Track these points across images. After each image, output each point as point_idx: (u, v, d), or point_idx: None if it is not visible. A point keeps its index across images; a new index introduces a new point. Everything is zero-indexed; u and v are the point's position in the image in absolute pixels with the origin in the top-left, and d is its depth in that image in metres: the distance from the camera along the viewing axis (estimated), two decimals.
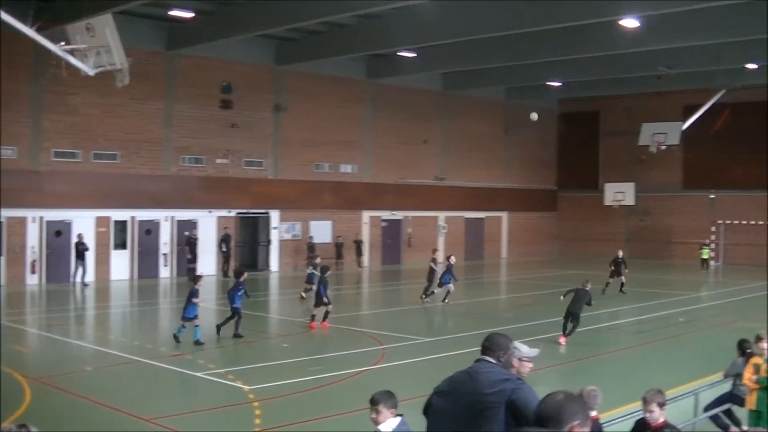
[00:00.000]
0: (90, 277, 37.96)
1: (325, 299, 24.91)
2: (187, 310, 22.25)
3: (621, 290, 34.68)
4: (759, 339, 12.70)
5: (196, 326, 22.04)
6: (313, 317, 25.18)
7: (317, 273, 28.29)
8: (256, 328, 25.97)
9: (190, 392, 17.06)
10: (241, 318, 23.40)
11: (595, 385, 9.04)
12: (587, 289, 23.23)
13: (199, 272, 40.50)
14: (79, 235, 37.58)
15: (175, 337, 22.04)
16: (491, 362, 7.00)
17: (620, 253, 36.13)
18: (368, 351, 21.46)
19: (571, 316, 22.71)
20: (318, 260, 32.30)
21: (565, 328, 22.66)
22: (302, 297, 32.22)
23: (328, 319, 25.21)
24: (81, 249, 37.37)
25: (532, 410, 6.65)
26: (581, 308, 22.84)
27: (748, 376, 12.47)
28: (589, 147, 61.36)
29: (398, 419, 7.30)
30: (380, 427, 7.38)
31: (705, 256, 48.19)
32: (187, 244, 40.71)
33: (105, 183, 38.81)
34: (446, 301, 31.14)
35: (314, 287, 27.38)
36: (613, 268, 35.78)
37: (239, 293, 23.52)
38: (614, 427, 10.89)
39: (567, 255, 59.13)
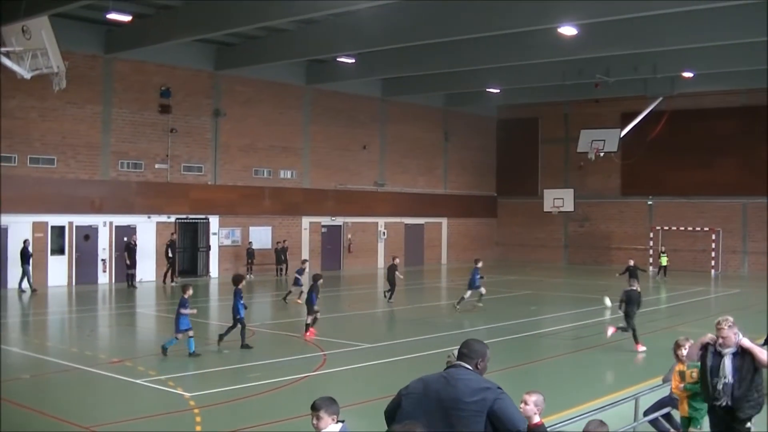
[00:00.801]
0: (25, 283, 37.52)
1: (315, 307, 24.93)
2: (180, 322, 21.39)
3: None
4: (678, 346, 12.83)
5: (190, 338, 21.39)
6: (307, 326, 25.08)
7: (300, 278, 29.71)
8: (196, 334, 25.86)
9: (130, 399, 16.94)
10: (245, 327, 23.07)
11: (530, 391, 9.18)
12: (634, 288, 23.73)
13: (138, 278, 40.41)
14: (25, 241, 37.20)
15: (164, 349, 21.24)
16: (468, 369, 7.07)
17: (631, 262, 35.63)
18: (309, 357, 21.48)
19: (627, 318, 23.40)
20: (306, 265, 33.14)
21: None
22: (297, 302, 32.68)
23: (315, 326, 25.28)
24: (27, 254, 36.97)
25: (513, 421, 6.75)
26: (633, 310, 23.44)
27: (675, 384, 12.66)
28: (529, 153, 61.96)
29: (339, 425, 7.33)
30: None
31: (664, 263, 48.57)
32: (125, 249, 40.38)
33: (42, 188, 38.36)
34: (481, 305, 31.52)
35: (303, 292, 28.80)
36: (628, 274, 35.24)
37: (241, 302, 23.16)
38: None
39: (507, 261, 59.66)
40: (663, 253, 49.70)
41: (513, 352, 22.48)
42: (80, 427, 14.26)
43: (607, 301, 26.17)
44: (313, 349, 22.59)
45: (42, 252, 38.81)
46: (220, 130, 45.31)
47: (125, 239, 40.74)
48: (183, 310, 21.38)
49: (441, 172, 59.19)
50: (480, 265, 32.06)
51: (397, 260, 35.77)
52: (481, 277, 31.85)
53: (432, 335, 24.36)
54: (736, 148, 52.36)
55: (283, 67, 46.23)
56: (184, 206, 43.77)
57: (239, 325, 22.80)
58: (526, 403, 8.54)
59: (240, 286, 23.44)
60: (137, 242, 40.67)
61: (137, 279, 40.36)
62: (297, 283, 33.78)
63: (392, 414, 7.14)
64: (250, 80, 46.28)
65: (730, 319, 10.43)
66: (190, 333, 21.41)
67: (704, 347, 10.87)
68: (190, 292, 22.28)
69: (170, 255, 42.03)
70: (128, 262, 40.06)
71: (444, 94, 57.19)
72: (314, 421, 7.42)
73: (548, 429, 8.94)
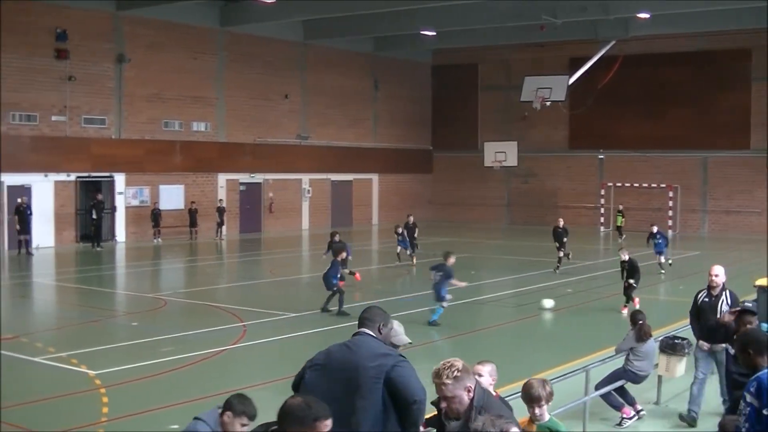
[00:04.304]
0: None
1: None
2: (442, 291, 22.13)
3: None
4: (532, 400, 10.61)
5: (442, 307, 22.07)
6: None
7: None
8: (101, 305, 25.74)
9: (27, 380, 16.80)
10: (343, 294, 23.46)
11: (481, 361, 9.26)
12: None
13: (35, 244, 39.86)
14: None
15: (434, 323, 21.90)
16: (370, 335, 7.36)
17: (654, 228, 35.25)
18: (227, 329, 21.51)
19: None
20: (411, 219, 37.32)
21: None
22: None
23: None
24: None
25: (410, 389, 6.97)
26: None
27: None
28: (467, 103, 62.00)
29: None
30: None
31: (620, 224, 48.56)
32: (15, 213, 39.69)
33: None
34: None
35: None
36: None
37: (337, 274, 23.82)
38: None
39: (443, 221, 59.89)
40: (620, 212, 49.63)
41: (453, 320, 22.68)
42: None
43: (547, 303, 25.93)
44: (232, 320, 22.59)
45: None
46: (124, 77, 44.70)
47: (18, 200, 39.99)
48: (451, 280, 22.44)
49: (370, 124, 59.16)
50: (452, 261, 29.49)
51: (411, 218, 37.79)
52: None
53: (362, 303, 24.46)
54: (694, 98, 53.00)
55: (194, 6, 45.72)
56: (86, 163, 43.16)
57: (338, 293, 23.38)
58: (480, 374, 8.65)
59: (340, 258, 24.39)
60: (30, 204, 40.01)
61: (33, 245, 39.88)
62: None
63: (296, 387, 7.46)
64: (156, 22, 45.62)
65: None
66: (444, 303, 22.14)
67: None
68: (452, 260, 23.10)
69: (94, 217, 41.67)
70: (18, 226, 39.38)
71: (373, 38, 56.94)
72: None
73: None
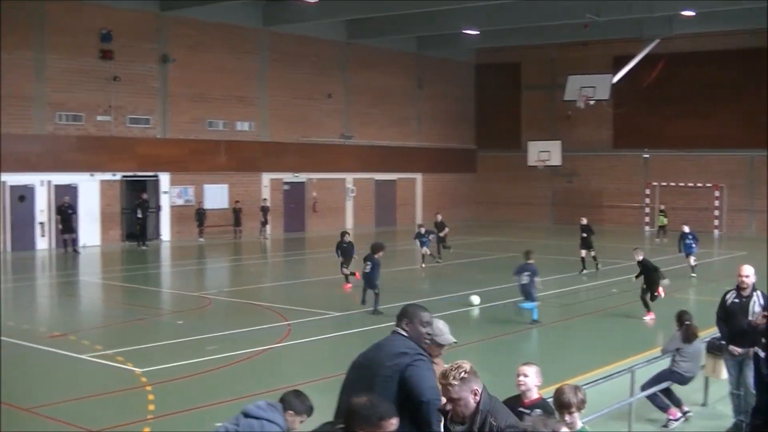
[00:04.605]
0: None
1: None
2: (533, 291, 22.29)
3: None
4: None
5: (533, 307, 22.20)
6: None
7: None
8: (146, 303, 25.90)
9: (74, 377, 16.94)
10: (378, 294, 23.67)
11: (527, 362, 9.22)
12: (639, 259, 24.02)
13: (82, 243, 40.23)
14: None
15: (536, 321, 22.09)
16: (400, 333, 7.43)
17: (686, 228, 34.64)
18: (271, 327, 21.56)
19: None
20: (439, 217, 37.75)
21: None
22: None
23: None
24: None
25: (421, 389, 6.96)
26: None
27: None
28: (511, 102, 61.80)
29: None
30: None
31: (662, 223, 48.04)
32: (57, 212, 40.02)
33: None
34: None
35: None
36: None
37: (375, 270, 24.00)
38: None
39: (487, 220, 59.74)
40: (662, 212, 49.31)
41: (496, 321, 22.61)
42: (20, 409, 14.25)
43: (475, 300, 25.79)
44: (277, 319, 22.63)
45: None
46: (168, 77, 44.97)
47: (66, 200, 40.27)
48: (535, 278, 22.49)
49: (414, 123, 59.08)
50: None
51: (439, 215, 38.26)
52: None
53: (404, 303, 24.37)
54: (740, 96, 52.39)
55: (237, 6, 45.89)
56: (131, 162, 43.49)
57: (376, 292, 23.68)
58: (525, 375, 8.65)
59: (378, 256, 24.21)
60: (72, 203, 40.27)
61: (80, 243, 40.23)
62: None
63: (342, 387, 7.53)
64: (200, 22, 45.85)
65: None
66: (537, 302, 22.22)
67: None
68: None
69: (139, 216, 41.99)
70: (61, 226, 39.73)
71: (416, 37, 56.89)
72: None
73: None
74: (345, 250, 28.99)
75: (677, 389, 13.94)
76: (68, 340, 19.72)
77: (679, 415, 13.70)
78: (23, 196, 39.96)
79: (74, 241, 39.38)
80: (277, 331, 21.01)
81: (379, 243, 25.13)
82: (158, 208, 44.78)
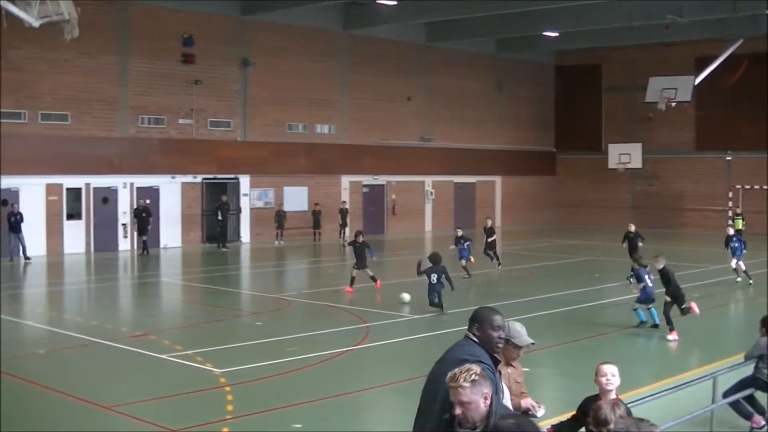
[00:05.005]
0: (41, 250, 37.92)
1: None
2: (647, 291, 21.55)
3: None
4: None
5: (650, 308, 21.61)
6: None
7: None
8: (226, 305, 26.05)
9: (154, 376, 17.05)
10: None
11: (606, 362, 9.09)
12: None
13: (163, 244, 40.71)
14: (12, 205, 37.16)
15: (643, 323, 21.58)
16: (470, 338, 7.25)
17: (731, 230, 33.75)
18: (350, 329, 21.58)
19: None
20: (489, 222, 35.67)
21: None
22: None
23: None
24: (15, 220, 36.81)
25: None
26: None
27: None
28: (591, 104, 61.22)
29: None
30: None
31: (740, 227, 46.88)
32: (135, 215, 40.40)
33: (55, 146, 38.58)
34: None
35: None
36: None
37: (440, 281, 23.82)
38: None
39: (567, 223, 59.30)
40: (738, 215, 48.31)
41: (572, 325, 22.37)
42: (100, 406, 14.37)
43: (405, 297, 25.58)
44: (355, 321, 22.63)
45: (57, 217, 39.15)
46: (248, 81, 45.29)
47: (147, 202, 40.77)
48: (648, 276, 21.66)
49: (493, 126, 58.80)
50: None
51: (489, 221, 36.22)
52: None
53: (483, 305, 24.21)
54: None
55: (317, 10, 46.07)
56: (212, 165, 43.87)
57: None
58: (612, 375, 8.55)
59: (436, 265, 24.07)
60: (147, 205, 40.60)
61: (162, 245, 40.70)
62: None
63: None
64: (280, 26, 46.11)
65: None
66: (652, 304, 21.51)
67: None
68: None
69: (219, 218, 42.36)
70: (137, 228, 40.13)
71: (495, 39, 56.61)
72: None
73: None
74: (358, 250, 28.31)
75: (762, 397, 13.61)
76: (149, 340, 19.89)
77: (763, 423, 13.35)
78: (107, 198, 40.49)
79: (145, 243, 39.66)
80: (356, 333, 21.00)
81: (437, 253, 25.03)
82: (238, 210, 45.09)
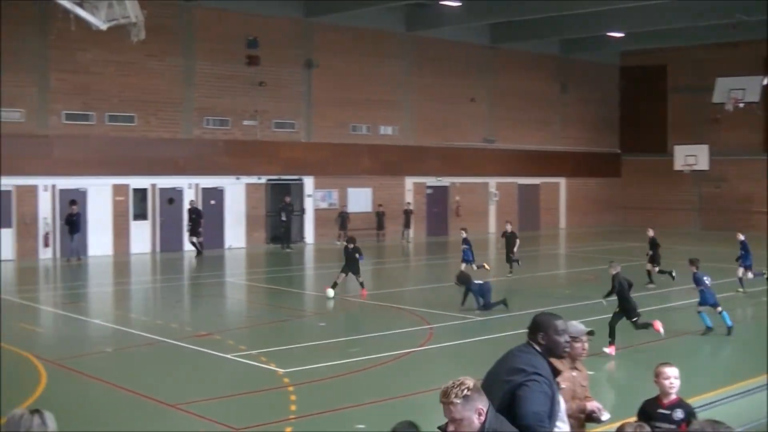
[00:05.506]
0: (108, 250, 38.40)
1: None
2: (707, 294, 21.35)
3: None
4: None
5: (720, 311, 21.22)
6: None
7: None
8: (289, 305, 26.12)
9: (218, 375, 17.13)
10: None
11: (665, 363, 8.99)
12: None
13: (228, 244, 40.99)
14: (72, 206, 37.29)
15: (710, 329, 20.91)
16: (531, 345, 7.14)
17: (741, 236, 32.86)
18: (413, 331, 21.52)
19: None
20: (509, 227, 33.68)
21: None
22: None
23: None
24: (74, 221, 37.02)
25: (523, 410, 6.62)
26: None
27: None
28: (656, 105, 60.56)
29: None
30: None
31: None
32: (190, 219, 40.13)
33: (121, 148, 39.04)
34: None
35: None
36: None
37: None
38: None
39: (632, 225, 58.65)
40: None
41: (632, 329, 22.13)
42: (165, 404, 14.48)
43: (330, 293, 25.35)
44: (419, 322, 22.57)
45: (123, 217, 39.56)
46: (312, 83, 45.44)
47: (192, 203, 40.83)
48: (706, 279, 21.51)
49: (557, 127, 58.47)
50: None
51: (509, 226, 34.40)
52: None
53: (547, 308, 24.09)
54: None
55: (381, 12, 46.07)
56: (276, 166, 44.07)
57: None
58: (675, 377, 8.49)
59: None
60: (197, 206, 40.61)
61: (226, 245, 40.99)
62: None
63: None
64: (344, 27, 46.20)
65: None
66: (719, 308, 21.20)
67: None
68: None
69: (283, 219, 42.53)
70: (190, 229, 39.94)
71: (559, 40, 56.29)
72: None
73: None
74: (349, 256, 27.24)
75: None
76: (214, 340, 19.98)
77: None
78: (172, 199, 40.83)
79: (195, 245, 39.46)
80: (420, 335, 20.94)
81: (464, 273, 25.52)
82: (302, 211, 45.25)
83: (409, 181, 49.74)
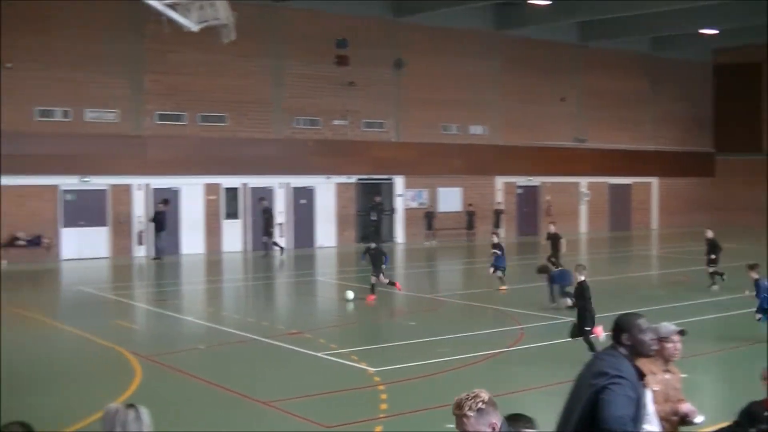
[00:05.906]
0: (200, 248, 38.89)
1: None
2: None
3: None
4: None
5: None
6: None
7: None
8: (379, 304, 26.11)
9: (309, 374, 17.13)
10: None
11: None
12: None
13: (318, 243, 41.09)
14: (158, 205, 37.87)
15: None
16: (616, 348, 7.06)
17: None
18: (504, 331, 21.38)
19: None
20: (552, 228, 31.84)
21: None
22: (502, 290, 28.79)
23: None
24: (159, 219, 37.52)
25: (606, 415, 6.50)
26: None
27: None
28: (751, 104, 59.52)
29: None
30: None
31: None
32: (262, 218, 39.84)
33: (213, 147, 39.48)
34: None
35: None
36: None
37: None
38: None
39: (726, 226, 57.61)
40: None
41: (731, 331, 21.69)
42: (257, 401, 14.54)
43: (349, 294, 24.76)
44: (510, 323, 22.41)
45: (215, 216, 40.01)
46: (402, 82, 45.45)
47: (264, 203, 40.55)
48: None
49: (648, 126, 57.77)
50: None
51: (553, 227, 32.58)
52: None
53: (639, 309, 23.77)
54: None
55: (469, 11, 45.98)
56: (366, 166, 44.19)
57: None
58: None
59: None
60: (269, 206, 40.54)
61: (317, 244, 41.23)
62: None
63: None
64: (432, 27, 46.17)
65: None
66: None
67: None
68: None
69: (373, 218, 42.73)
70: (263, 228, 39.83)
71: (650, 38, 55.71)
72: None
73: None
74: (373, 256, 26.62)
75: None
76: (304, 338, 20.04)
77: None
78: (263, 198, 41.09)
79: (266, 245, 39.48)
80: (510, 335, 20.78)
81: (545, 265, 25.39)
82: (392, 210, 45.30)
83: (500, 181, 49.55)
